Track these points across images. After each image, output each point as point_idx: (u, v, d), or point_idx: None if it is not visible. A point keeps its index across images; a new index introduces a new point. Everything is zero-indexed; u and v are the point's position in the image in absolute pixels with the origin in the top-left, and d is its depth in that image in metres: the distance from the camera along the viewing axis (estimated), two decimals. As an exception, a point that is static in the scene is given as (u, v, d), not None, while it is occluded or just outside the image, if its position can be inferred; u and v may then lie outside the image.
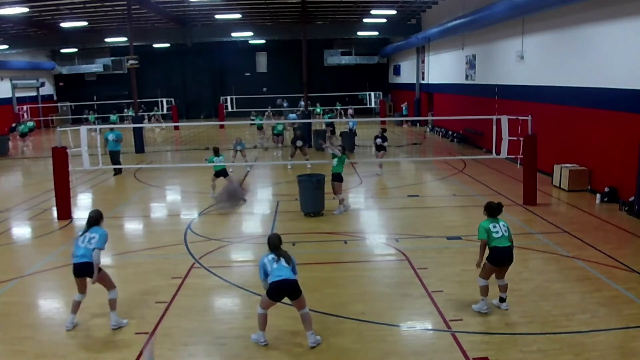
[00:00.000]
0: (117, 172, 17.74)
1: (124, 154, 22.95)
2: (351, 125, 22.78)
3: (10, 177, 19.27)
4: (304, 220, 11.70)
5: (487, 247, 6.81)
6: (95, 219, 6.85)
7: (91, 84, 40.36)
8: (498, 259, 6.72)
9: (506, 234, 6.74)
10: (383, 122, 33.18)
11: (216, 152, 13.97)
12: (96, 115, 34.03)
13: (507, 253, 6.74)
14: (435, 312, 7.00)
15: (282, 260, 6.18)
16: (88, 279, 6.65)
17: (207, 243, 10.19)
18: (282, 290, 6.11)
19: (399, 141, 25.70)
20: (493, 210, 6.90)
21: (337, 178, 12.04)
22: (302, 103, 28.34)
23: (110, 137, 17.83)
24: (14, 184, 18.04)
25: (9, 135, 26.23)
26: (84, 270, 6.58)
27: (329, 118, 27.40)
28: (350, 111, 31.84)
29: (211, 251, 9.69)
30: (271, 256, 6.22)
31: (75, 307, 6.71)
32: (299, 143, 17.51)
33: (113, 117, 32.82)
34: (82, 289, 6.72)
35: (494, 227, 6.75)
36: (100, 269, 6.66)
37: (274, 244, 6.33)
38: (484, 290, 6.87)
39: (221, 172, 13.94)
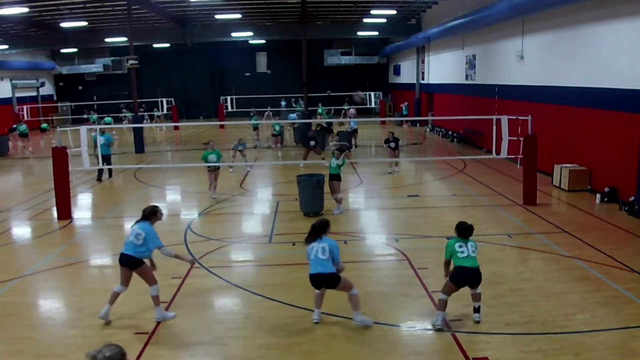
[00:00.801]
0: (100, 179, 16.71)
1: (124, 154, 23.04)
2: (353, 125, 22.78)
3: (10, 177, 19.27)
4: (303, 220, 11.69)
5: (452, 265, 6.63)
6: (145, 215, 6.90)
7: (91, 84, 40.37)
8: (460, 278, 6.48)
9: (473, 255, 6.51)
10: (383, 122, 33.43)
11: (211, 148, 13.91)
12: (97, 115, 34.04)
13: (470, 273, 6.47)
14: (435, 312, 6.99)
15: (319, 251, 6.41)
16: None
17: (207, 243, 10.19)
18: (319, 283, 6.52)
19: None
20: (462, 232, 6.65)
21: (337, 177, 12.06)
22: (302, 103, 28.36)
23: (100, 140, 15.67)
24: (14, 184, 18.04)
25: (8, 135, 26.24)
26: (125, 262, 6.76)
27: (328, 118, 27.40)
28: (351, 111, 31.81)
29: (211, 251, 9.69)
30: (313, 244, 6.51)
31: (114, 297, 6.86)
32: (312, 143, 17.65)
33: (107, 119, 32.86)
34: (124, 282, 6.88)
35: (460, 246, 6.53)
36: (144, 264, 6.81)
37: (315, 229, 6.57)
38: (441, 304, 6.57)
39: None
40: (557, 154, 14.94)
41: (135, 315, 7.02)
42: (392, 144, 16.94)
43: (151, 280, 6.84)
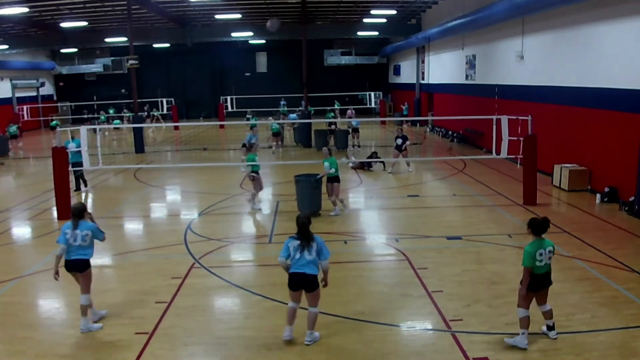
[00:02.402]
0: (78, 188, 15.14)
1: (124, 154, 23.04)
2: (354, 125, 22.74)
3: (10, 177, 19.26)
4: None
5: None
6: (81, 213, 6.62)
7: (91, 84, 40.36)
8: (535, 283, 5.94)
9: (549, 262, 5.99)
10: (383, 122, 33.42)
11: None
12: (106, 115, 34.08)
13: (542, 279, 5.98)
14: (435, 312, 7.00)
15: (306, 251, 6.05)
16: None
17: (207, 243, 10.19)
18: (300, 283, 6.11)
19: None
20: (539, 228, 5.96)
21: (336, 179, 11.90)
22: (303, 103, 28.34)
23: (71, 146, 13.68)
24: (14, 184, 18.05)
25: (7, 135, 26.23)
26: (76, 267, 6.57)
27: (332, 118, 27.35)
28: (350, 112, 31.80)
29: (211, 251, 9.69)
30: (297, 243, 6.09)
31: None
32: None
33: (102, 117, 32.91)
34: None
35: (541, 254, 5.89)
36: (90, 266, 6.63)
37: (303, 224, 6.13)
38: (524, 322, 5.99)
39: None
40: (557, 154, 14.94)
41: (135, 315, 7.02)
42: (399, 140, 16.81)
43: (88, 288, 6.60)
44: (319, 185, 11.87)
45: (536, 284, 5.96)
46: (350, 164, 17.73)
